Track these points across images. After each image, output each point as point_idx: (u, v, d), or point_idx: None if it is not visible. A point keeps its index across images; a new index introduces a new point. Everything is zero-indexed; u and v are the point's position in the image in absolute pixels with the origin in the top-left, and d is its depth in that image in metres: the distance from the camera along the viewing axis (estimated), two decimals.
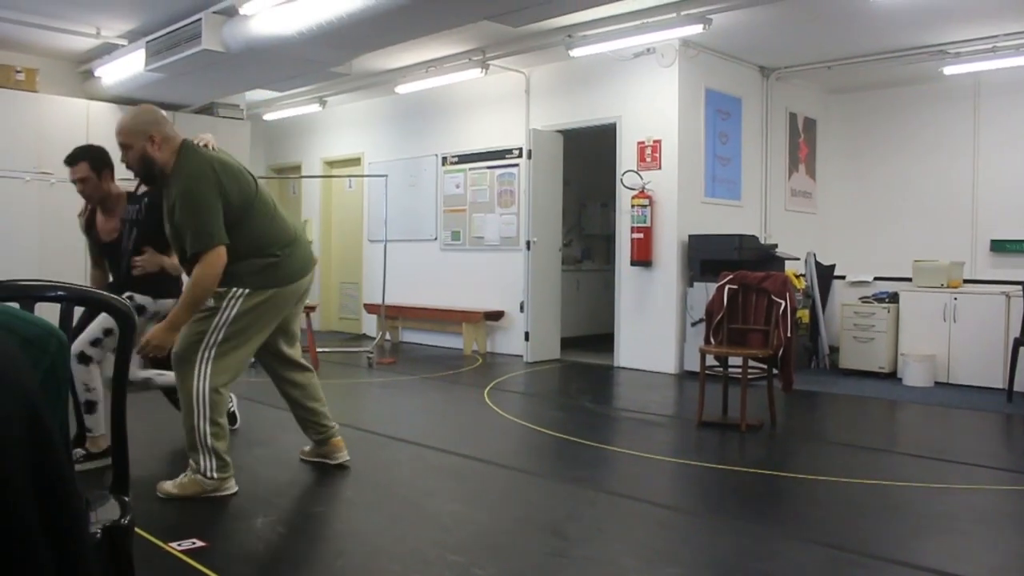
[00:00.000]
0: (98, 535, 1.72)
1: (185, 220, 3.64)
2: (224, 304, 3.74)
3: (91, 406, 4.28)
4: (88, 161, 4.45)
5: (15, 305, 1.90)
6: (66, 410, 1.80)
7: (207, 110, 9.45)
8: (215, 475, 3.81)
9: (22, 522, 0.60)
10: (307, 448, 4.52)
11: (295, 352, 4.28)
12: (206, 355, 3.74)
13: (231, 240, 3.70)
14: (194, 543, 3.17)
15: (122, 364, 2.00)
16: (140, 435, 5.02)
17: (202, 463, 3.79)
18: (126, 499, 1.91)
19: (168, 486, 3.82)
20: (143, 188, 4.40)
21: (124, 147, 3.80)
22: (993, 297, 7.36)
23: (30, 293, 1.97)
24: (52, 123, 8.34)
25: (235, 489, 3.89)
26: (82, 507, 0.67)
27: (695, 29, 6.78)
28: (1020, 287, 6.89)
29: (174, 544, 3.15)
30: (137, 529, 3.17)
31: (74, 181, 4.47)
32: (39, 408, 0.64)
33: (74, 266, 8.32)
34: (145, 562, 2.94)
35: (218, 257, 3.64)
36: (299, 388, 4.28)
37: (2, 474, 0.59)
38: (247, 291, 3.77)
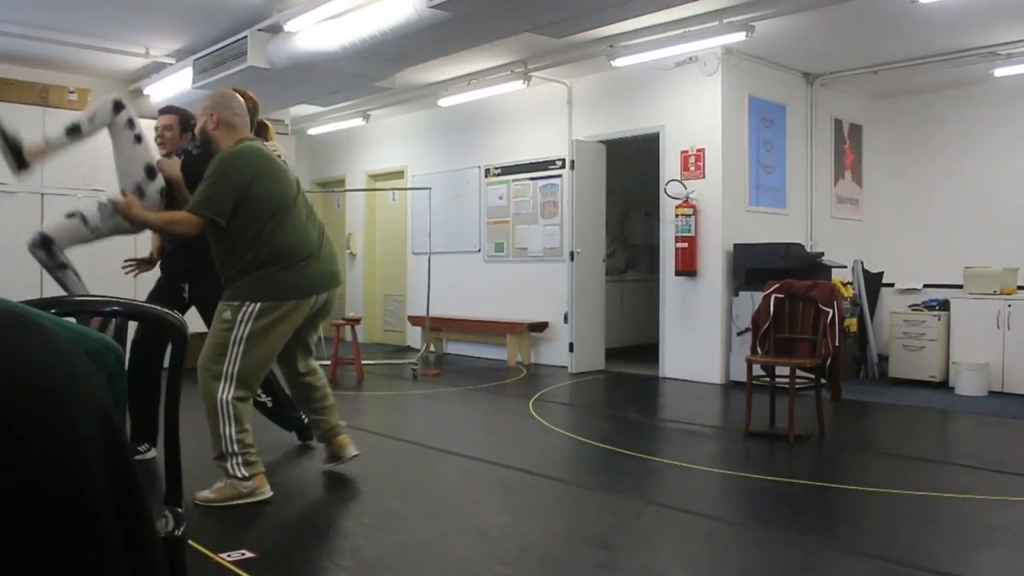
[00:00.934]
0: None
1: (204, 181, 3.83)
2: (239, 319, 3.84)
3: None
4: (178, 115, 5.02)
5: (72, 320, 1.95)
6: (123, 419, 1.84)
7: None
8: (246, 474, 3.88)
9: (105, 535, 0.62)
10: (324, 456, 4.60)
11: (310, 364, 4.40)
12: (229, 369, 3.85)
13: (256, 244, 3.83)
14: (243, 554, 3.21)
15: (175, 379, 2.04)
16: (192, 446, 5.09)
17: (230, 467, 3.88)
18: (179, 510, 1.94)
19: (205, 493, 3.89)
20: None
21: (198, 118, 4.09)
22: None
23: (86, 308, 2.03)
24: (103, 142, 8.45)
25: (270, 493, 3.95)
26: (153, 518, 0.69)
27: (738, 37, 6.74)
28: None
29: (224, 555, 3.19)
30: (189, 540, 3.22)
31: (158, 127, 4.98)
32: (112, 416, 0.66)
33: (124, 282, 8.49)
34: (195, 573, 2.98)
35: (197, 225, 3.82)
36: (312, 391, 4.41)
37: (84, 484, 0.61)
38: (259, 306, 3.84)
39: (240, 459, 3.88)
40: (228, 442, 3.86)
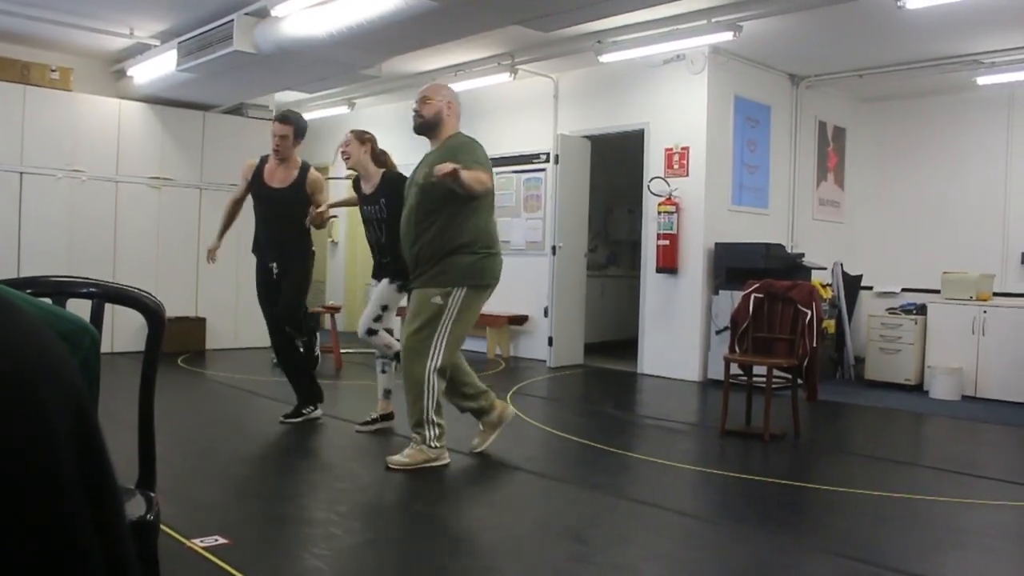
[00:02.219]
0: None
1: (471, 155, 4.29)
2: (449, 303, 4.27)
3: (397, 355, 5.15)
4: (293, 126, 5.52)
5: (48, 301, 1.93)
6: (96, 404, 1.82)
7: (237, 111, 9.53)
8: (437, 444, 4.36)
9: (74, 520, 0.61)
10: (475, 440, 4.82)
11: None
12: (437, 347, 4.28)
13: (465, 229, 4.28)
14: (217, 540, 3.19)
15: (150, 362, 2.02)
16: (166, 431, 5.06)
17: (427, 434, 4.33)
18: (152, 495, 1.93)
19: (398, 458, 4.33)
20: (369, 189, 5.22)
21: (425, 99, 4.48)
22: (1023, 311, 7.27)
23: (63, 289, 2.00)
24: (85, 122, 8.45)
25: (448, 460, 4.43)
26: (123, 503, 0.68)
27: (725, 36, 6.75)
28: None
29: (197, 540, 3.18)
30: (162, 525, 3.19)
31: (275, 136, 5.48)
32: (85, 400, 0.65)
33: (103, 263, 8.43)
34: (168, 558, 2.96)
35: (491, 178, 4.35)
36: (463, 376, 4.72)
37: (54, 468, 0.61)
38: (465, 290, 4.29)
39: (436, 430, 4.34)
40: (427, 412, 4.31)
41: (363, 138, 5.26)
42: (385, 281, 5.17)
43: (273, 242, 5.48)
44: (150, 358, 2.02)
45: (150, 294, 2.01)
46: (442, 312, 4.25)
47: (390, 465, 4.31)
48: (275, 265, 5.47)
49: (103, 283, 2.04)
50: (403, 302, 5.18)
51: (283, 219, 5.41)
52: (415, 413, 4.34)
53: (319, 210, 5.29)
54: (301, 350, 5.70)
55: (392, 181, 5.14)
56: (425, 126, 4.51)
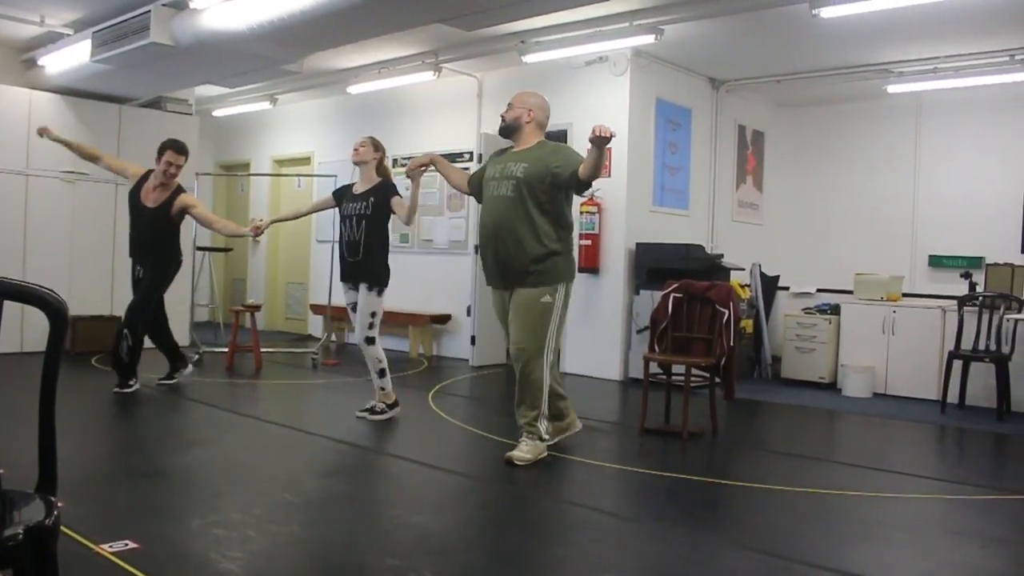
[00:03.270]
0: (20, 536, 1.67)
1: (569, 157, 4.56)
2: (555, 300, 4.51)
3: (383, 372, 5.66)
4: (186, 156, 6.42)
5: None
6: None
7: (155, 104, 9.29)
8: (548, 436, 4.68)
9: None
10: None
11: None
12: (550, 346, 4.53)
13: (561, 226, 4.58)
14: (126, 544, 3.11)
15: (52, 361, 1.95)
16: (71, 432, 4.92)
17: (542, 428, 4.59)
18: (52, 499, 1.86)
19: (519, 454, 4.52)
20: (362, 188, 5.55)
21: (510, 105, 4.78)
22: (930, 311, 7.54)
23: None
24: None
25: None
26: None
27: (647, 39, 6.84)
28: (956, 302, 7.06)
29: (105, 546, 3.08)
30: (67, 530, 3.10)
31: (172, 164, 6.29)
32: None
33: (12, 260, 8.14)
34: (75, 564, 2.88)
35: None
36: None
37: None
38: (568, 284, 4.59)
39: (547, 424, 4.64)
40: (544, 406, 4.57)
41: (379, 146, 5.67)
42: (364, 288, 5.50)
43: (138, 250, 6.36)
44: (52, 357, 1.94)
45: (52, 291, 1.93)
46: (551, 310, 4.50)
47: (515, 462, 4.48)
48: (139, 269, 6.37)
49: (1, 279, 1.96)
50: (382, 304, 5.62)
51: (148, 232, 6.29)
52: (532, 410, 4.55)
53: (257, 224, 6.06)
54: (126, 341, 6.24)
55: (385, 187, 5.54)
56: (506, 129, 4.77)
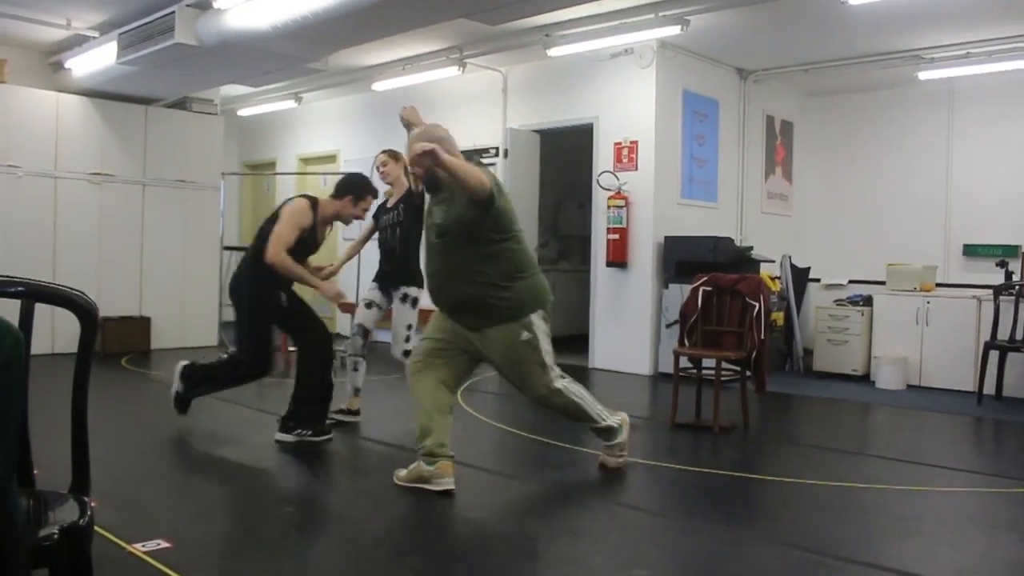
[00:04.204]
0: (55, 536, 1.68)
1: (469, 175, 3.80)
2: (532, 331, 3.98)
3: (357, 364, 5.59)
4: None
5: None
6: (23, 406, 1.75)
7: (180, 105, 9.34)
8: (622, 435, 4.35)
9: None
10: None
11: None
12: (554, 372, 4.09)
13: (509, 259, 3.96)
14: (159, 544, 3.12)
15: (83, 362, 1.95)
16: (102, 433, 4.96)
17: (611, 428, 4.29)
18: (86, 499, 1.87)
19: (613, 461, 4.34)
20: (395, 200, 5.52)
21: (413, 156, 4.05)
22: (965, 301, 7.41)
23: None
24: (20, 115, 8.22)
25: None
26: (12, 512, 0.64)
27: (673, 30, 6.77)
28: (991, 291, 6.94)
29: (138, 545, 3.10)
30: (101, 530, 3.11)
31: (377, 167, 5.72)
32: None
33: (42, 262, 8.22)
34: (108, 564, 2.89)
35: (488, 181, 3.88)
36: None
37: None
38: (538, 312, 4.05)
39: (607, 418, 4.26)
40: (601, 415, 4.24)
41: (398, 157, 5.59)
42: (397, 301, 5.43)
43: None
44: (83, 359, 1.96)
45: (82, 293, 1.94)
46: (533, 343, 4.01)
47: (610, 467, 4.34)
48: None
49: (32, 282, 1.96)
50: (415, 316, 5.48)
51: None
52: (593, 422, 4.26)
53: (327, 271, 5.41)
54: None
55: (411, 194, 5.46)
56: (430, 185, 4.19)
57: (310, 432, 4.86)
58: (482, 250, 3.92)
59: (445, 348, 4.08)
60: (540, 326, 4.05)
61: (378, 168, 5.59)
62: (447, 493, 3.85)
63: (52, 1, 7.12)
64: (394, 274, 5.47)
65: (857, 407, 6.69)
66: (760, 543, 3.36)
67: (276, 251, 4.75)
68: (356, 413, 5.58)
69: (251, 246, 5.07)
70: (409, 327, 5.43)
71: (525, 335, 3.97)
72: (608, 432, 4.30)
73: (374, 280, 5.68)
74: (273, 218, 4.94)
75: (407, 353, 5.23)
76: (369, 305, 5.59)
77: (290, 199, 5.17)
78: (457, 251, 3.94)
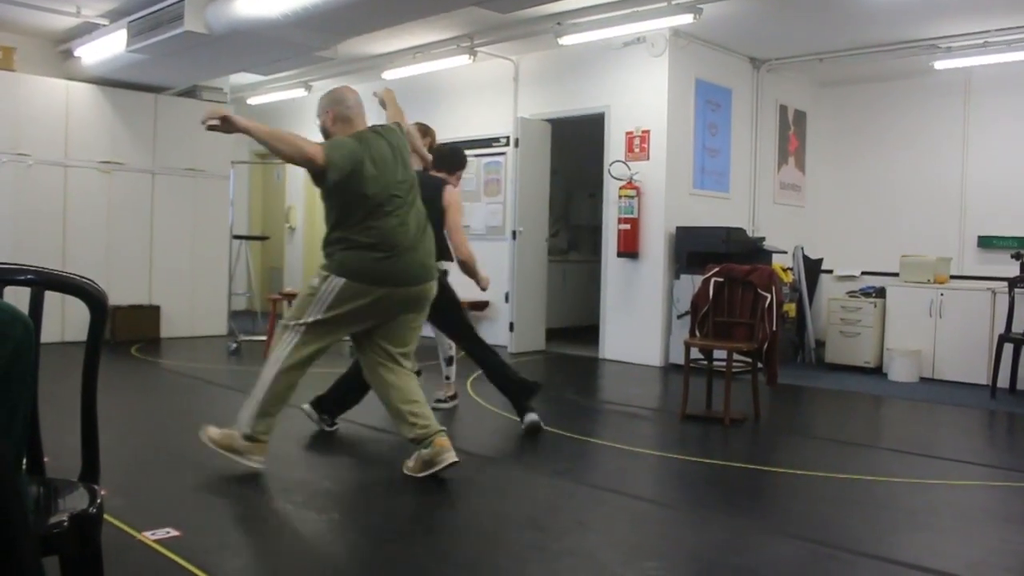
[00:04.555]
0: (65, 524, 1.67)
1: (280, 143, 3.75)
2: (313, 283, 3.90)
3: (451, 360, 5.64)
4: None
5: None
6: (34, 394, 1.74)
7: (190, 93, 9.33)
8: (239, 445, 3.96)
9: None
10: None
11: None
12: (285, 336, 3.96)
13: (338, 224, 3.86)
14: (168, 532, 3.11)
15: (92, 350, 1.94)
16: (112, 421, 4.96)
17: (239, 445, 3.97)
18: (96, 487, 1.88)
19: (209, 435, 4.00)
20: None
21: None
22: (979, 293, 7.35)
23: None
24: (30, 103, 8.22)
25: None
26: (24, 499, 0.63)
27: (686, 19, 6.72)
28: (1006, 283, 6.88)
29: (147, 533, 3.09)
30: (110, 518, 3.11)
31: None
32: None
33: (52, 250, 8.23)
34: (117, 552, 2.88)
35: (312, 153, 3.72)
36: None
37: None
38: (341, 278, 3.83)
39: (248, 427, 3.94)
40: (251, 415, 3.96)
41: (428, 131, 5.50)
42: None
43: None
44: (92, 347, 1.96)
45: (92, 281, 1.93)
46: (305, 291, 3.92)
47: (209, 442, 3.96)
48: None
49: (42, 270, 1.95)
50: None
51: None
52: (243, 415, 4.00)
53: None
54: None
55: (424, 173, 5.27)
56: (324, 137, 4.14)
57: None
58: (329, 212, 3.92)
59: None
60: (319, 285, 3.85)
61: None
62: (454, 465, 3.86)
63: None
64: None
65: (869, 400, 6.65)
66: (771, 535, 3.34)
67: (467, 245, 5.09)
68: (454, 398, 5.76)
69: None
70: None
71: (312, 281, 3.90)
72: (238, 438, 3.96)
73: None
74: (430, 203, 4.53)
75: None
76: None
77: (445, 183, 5.15)
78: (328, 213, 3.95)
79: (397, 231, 3.87)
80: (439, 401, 5.63)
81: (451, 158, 5.37)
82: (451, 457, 3.88)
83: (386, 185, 3.87)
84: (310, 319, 3.87)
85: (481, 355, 5.08)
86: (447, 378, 5.72)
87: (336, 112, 4.05)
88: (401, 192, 3.93)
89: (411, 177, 4.07)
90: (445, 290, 4.88)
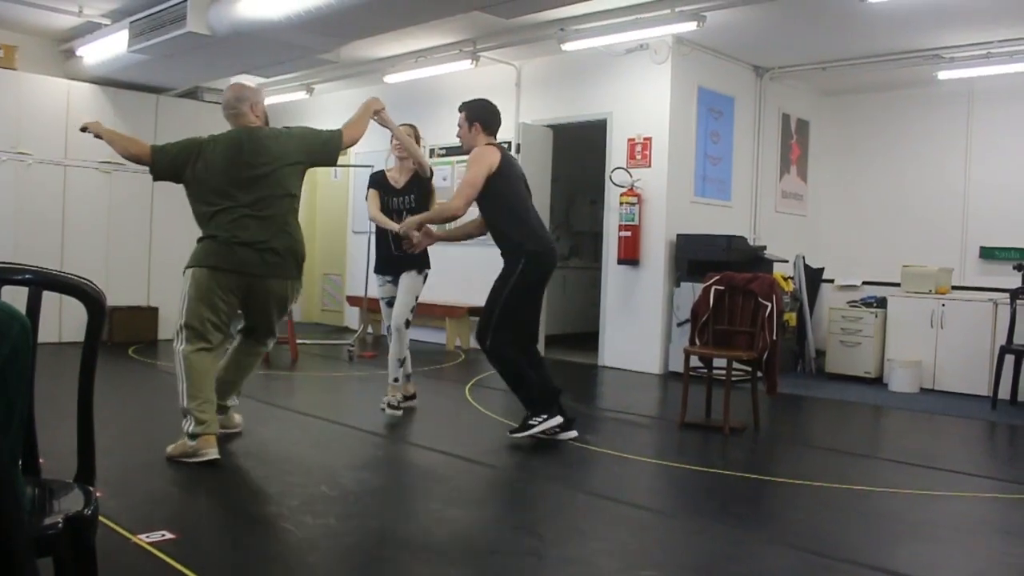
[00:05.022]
0: (60, 525, 1.65)
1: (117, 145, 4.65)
2: (184, 286, 4.59)
3: (404, 361, 5.52)
4: (465, 111, 5.56)
5: None
6: (30, 394, 1.72)
7: (191, 94, 9.32)
8: (189, 428, 4.21)
9: None
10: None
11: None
12: (182, 335, 4.58)
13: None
14: (163, 535, 3.09)
15: (90, 351, 1.92)
16: (109, 423, 4.94)
17: (186, 424, 4.23)
18: (91, 489, 1.86)
19: (170, 449, 4.23)
20: (403, 180, 5.62)
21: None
22: (981, 304, 7.34)
23: None
24: (31, 103, 8.20)
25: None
26: (19, 496, 0.61)
27: (689, 26, 6.71)
28: (1008, 295, 6.86)
29: (142, 536, 3.06)
30: (105, 520, 3.08)
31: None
32: None
33: (51, 250, 8.21)
34: (111, 554, 2.85)
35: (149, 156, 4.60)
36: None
37: None
38: (193, 269, 4.60)
39: (185, 403, 4.27)
40: (183, 392, 4.32)
41: (417, 135, 5.88)
42: (413, 272, 5.48)
43: None
44: (90, 348, 1.95)
45: (90, 281, 1.91)
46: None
47: (168, 453, 4.22)
48: None
49: (40, 270, 1.93)
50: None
51: None
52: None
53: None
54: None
55: (423, 179, 5.59)
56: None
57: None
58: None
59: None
60: (187, 281, 4.49)
61: (393, 141, 5.69)
62: (213, 463, 4.08)
63: None
64: (405, 259, 5.43)
65: (869, 410, 6.63)
66: (769, 545, 3.31)
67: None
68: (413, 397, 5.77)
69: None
70: (416, 297, 5.52)
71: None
72: (184, 415, 4.25)
73: (381, 273, 5.64)
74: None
75: (408, 323, 5.46)
76: (390, 303, 5.56)
77: (511, 158, 5.45)
78: None
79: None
80: (392, 408, 5.46)
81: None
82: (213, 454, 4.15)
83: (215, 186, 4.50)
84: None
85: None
86: (395, 380, 5.52)
87: (251, 98, 4.70)
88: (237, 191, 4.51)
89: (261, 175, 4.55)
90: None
